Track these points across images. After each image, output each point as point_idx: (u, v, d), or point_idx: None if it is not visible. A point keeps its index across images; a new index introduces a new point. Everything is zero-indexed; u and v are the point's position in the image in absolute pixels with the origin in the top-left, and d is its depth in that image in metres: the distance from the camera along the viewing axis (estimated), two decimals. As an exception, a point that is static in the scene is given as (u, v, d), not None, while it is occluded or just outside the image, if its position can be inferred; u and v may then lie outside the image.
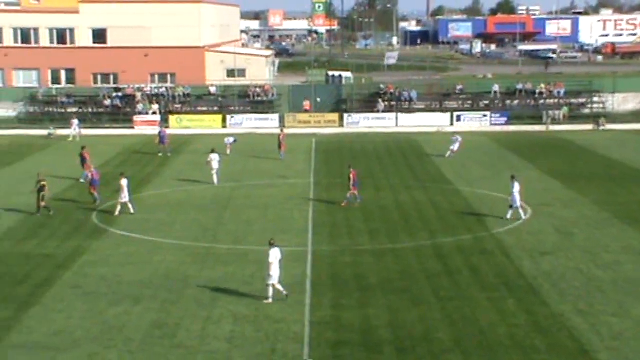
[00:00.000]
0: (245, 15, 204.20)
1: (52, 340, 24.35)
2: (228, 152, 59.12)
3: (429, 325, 25.50)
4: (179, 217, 40.37)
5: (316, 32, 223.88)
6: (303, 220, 39.56)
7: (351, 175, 42.31)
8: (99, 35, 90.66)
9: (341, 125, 75.70)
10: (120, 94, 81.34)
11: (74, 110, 78.82)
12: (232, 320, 25.97)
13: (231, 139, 60.64)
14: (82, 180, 47.43)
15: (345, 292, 28.65)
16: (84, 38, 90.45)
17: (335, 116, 76.86)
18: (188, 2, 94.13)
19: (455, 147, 58.18)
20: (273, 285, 27.48)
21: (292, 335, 24.72)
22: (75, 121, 70.31)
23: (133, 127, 74.30)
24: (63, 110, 78.37)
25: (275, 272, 27.43)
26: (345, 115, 76.58)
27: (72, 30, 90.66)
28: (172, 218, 40.12)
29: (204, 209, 42.03)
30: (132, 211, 40.17)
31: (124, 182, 40.26)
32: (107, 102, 79.96)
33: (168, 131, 64.07)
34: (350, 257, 33.02)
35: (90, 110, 79.89)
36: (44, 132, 71.51)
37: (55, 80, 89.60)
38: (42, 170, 44.00)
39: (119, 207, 40.14)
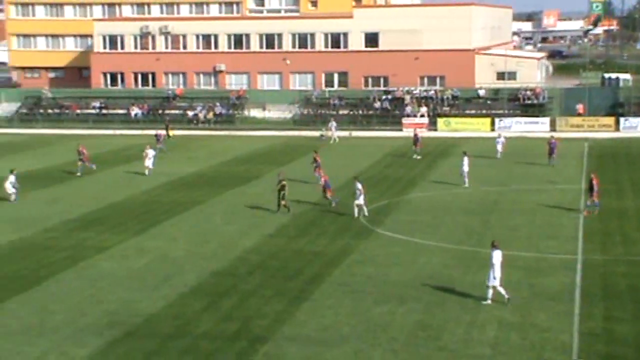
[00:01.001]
0: (517, 17, 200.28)
1: (321, 335, 25.13)
2: (498, 155, 58.50)
3: None
4: (445, 219, 40.33)
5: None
6: (572, 227, 38.15)
7: (594, 182, 40.29)
8: (371, 39, 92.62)
9: (617, 129, 72.41)
10: (389, 96, 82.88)
11: (345, 112, 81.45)
12: (496, 325, 25.53)
13: (502, 139, 59.98)
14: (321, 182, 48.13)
15: (617, 304, 27.28)
16: (356, 42, 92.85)
17: (610, 120, 73.62)
18: (459, 4, 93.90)
19: None
20: (494, 287, 27.18)
21: (559, 345, 23.88)
22: (333, 123, 72.32)
23: (401, 129, 75.30)
24: (335, 112, 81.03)
25: (497, 274, 27.10)
26: (622, 119, 73.16)
27: (345, 35, 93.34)
28: (438, 220, 40.15)
29: (470, 212, 41.70)
30: (358, 215, 40.31)
31: (358, 185, 40.71)
32: (377, 104, 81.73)
33: (436, 134, 64.23)
34: (624, 268, 31.40)
35: (360, 112, 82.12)
36: (316, 133, 74.18)
37: (329, 83, 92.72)
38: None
39: (364, 209, 40.60)
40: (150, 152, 55.33)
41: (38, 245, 36.34)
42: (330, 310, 27.21)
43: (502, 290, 27.32)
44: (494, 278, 27.26)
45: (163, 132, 70.05)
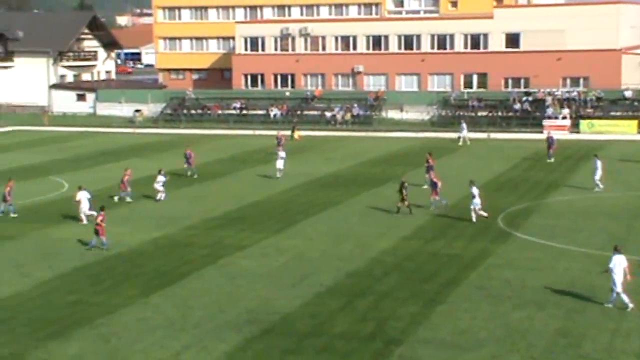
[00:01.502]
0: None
1: (456, 339, 24.84)
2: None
3: None
4: (586, 224, 39.19)
5: None
6: None
7: None
8: (512, 40, 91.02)
9: None
10: (530, 98, 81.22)
11: (484, 114, 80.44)
12: (641, 335, 24.63)
13: None
14: (424, 187, 47.06)
15: None
16: (496, 43, 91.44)
17: None
18: (606, 3, 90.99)
19: None
20: (618, 294, 26.39)
21: None
22: (464, 125, 71.23)
23: (541, 132, 73.57)
24: (473, 114, 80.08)
25: (618, 279, 26.33)
26: None
27: (485, 35, 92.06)
28: (579, 225, 39.05)
29: (614, 217, 40.37)
30: (487, 215, 39.67)
31: (474, 189, 39.73)
32: (517, 106, 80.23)
33: (578, 136, 62.36)
34: None
35: (499, 114, 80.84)
36: (454, 135, 73.41)
37: (468, 84, 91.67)
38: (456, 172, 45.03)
39: (473, 214, 39.69)
40: (280, 154, 55.47)
41: (180, 243, 37.42)
42: (467, 314, 26.87)
43: (625, 298, 26.51)
44: (615, 283, 26.48)
45: (285, 133, 70.29)
